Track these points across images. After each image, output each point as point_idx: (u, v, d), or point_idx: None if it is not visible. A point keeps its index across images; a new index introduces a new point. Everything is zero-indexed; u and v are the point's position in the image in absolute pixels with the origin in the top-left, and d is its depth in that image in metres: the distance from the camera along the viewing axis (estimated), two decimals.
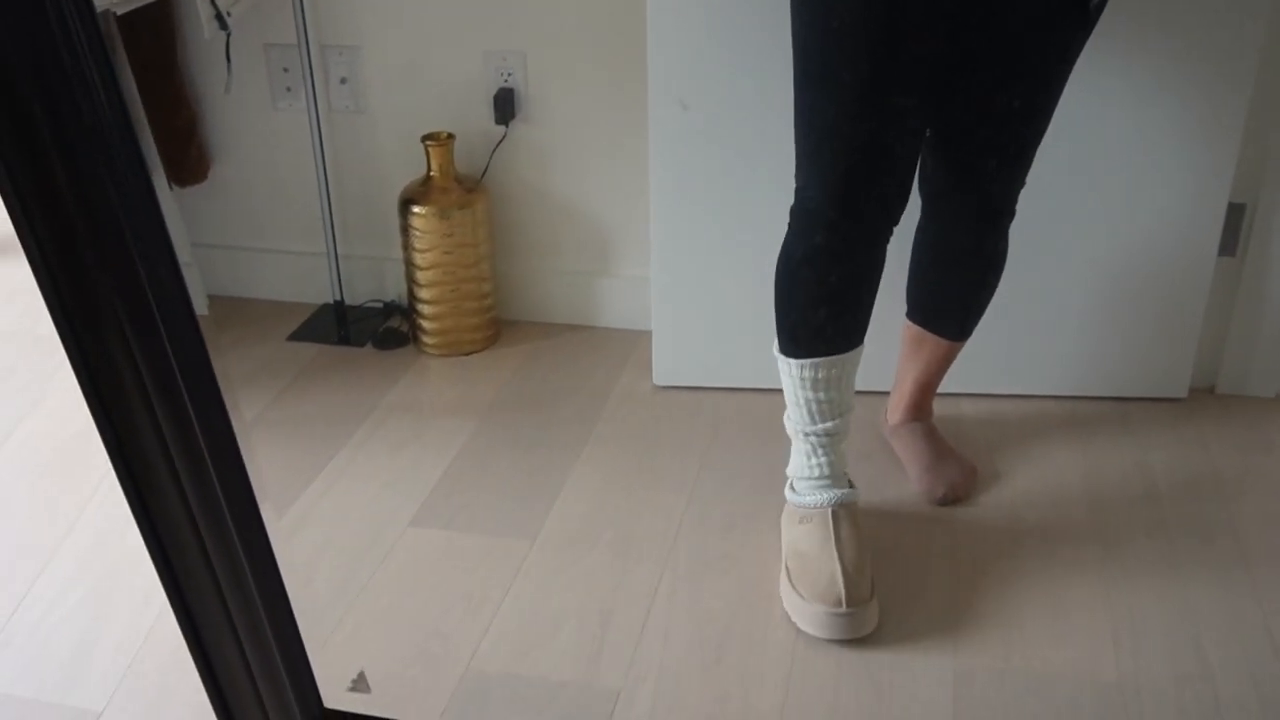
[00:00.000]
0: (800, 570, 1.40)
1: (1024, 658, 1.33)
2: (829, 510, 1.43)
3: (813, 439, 1.44)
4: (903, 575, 1.47)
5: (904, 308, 1.62)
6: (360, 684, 1.25)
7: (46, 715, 1.29)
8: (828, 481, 1.45)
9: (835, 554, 1.38)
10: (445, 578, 1.48)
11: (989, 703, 1.27)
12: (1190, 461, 1.68)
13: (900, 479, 1.65)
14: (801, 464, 1.47)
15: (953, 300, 1.59)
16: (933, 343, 1.62)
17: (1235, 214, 1.74)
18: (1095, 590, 1.43)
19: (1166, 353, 1.80)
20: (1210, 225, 1.71)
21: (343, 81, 2.02)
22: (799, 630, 1.38)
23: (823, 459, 1.45)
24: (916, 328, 1.62)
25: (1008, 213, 1.49)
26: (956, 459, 1.66)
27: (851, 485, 1.48)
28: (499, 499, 1.63)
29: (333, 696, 1.20)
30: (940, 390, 1.70)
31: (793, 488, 1.48)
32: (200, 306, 0.93)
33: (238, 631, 1.09)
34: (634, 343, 2.02)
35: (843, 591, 1.35)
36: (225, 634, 1.09)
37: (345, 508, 1.62)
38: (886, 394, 1.73)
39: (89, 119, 0.80)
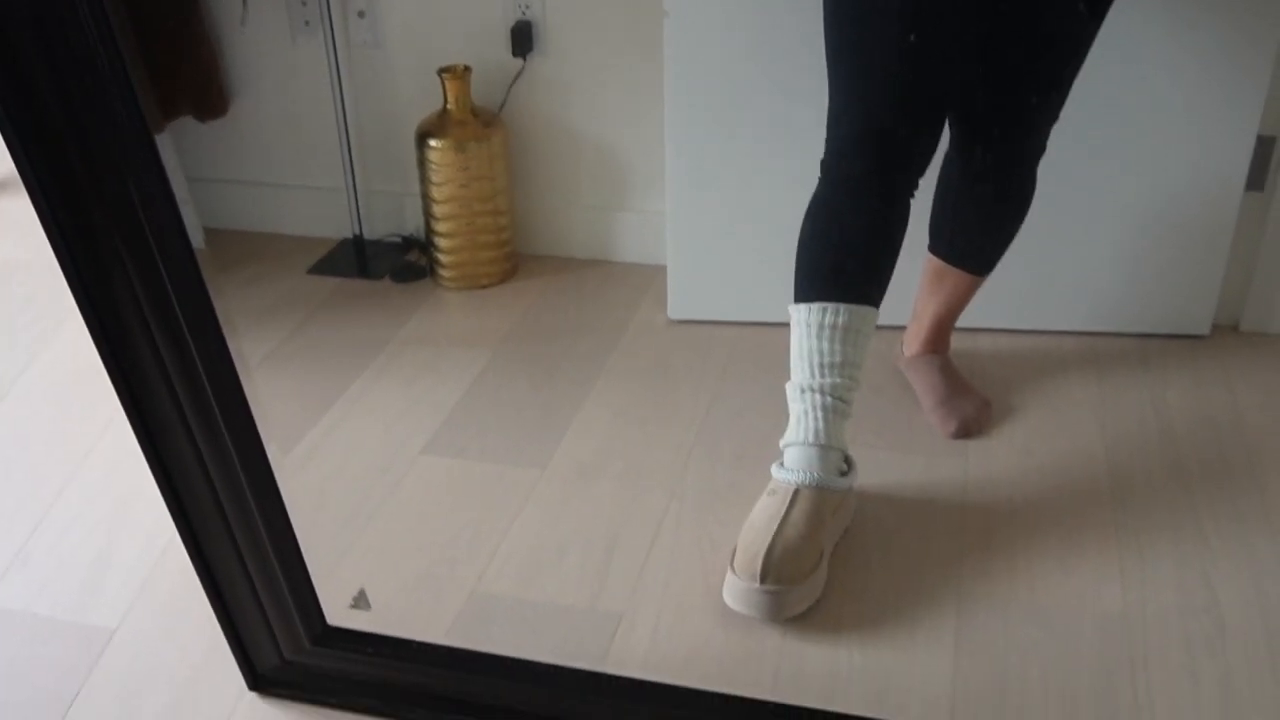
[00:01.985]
0: (741, 541, 1.32)
1: (1029, 588, 1.33)
2: (794, 489, 1.33)
3: (812, 396, 1.34)
4: (912, 506, 1.46)
5: (925, 240, 1.60)
6: (360, 601, 1.27)
7: (63, 632, 1.32)
8: (816, 451, 1.33)
9: (773, 531, 1.29)
10: (455, 504, 1.50)
11: (989, 628, 1.27)
12: (1210, 399, 1.66)
13: (914, 412, 1.64)
14: (793, 428, 1.36)
15: (975, 234, 1.56)
16: (955, 276, 1.60)
17: (1264, 147, 1.70)
18: (1105, 524, 1.42)
19: (1189, 289, 1.77)
20: (1238, 159, 1.67)
21: (360, 15, 2.01)
22: None
23: (819, 424, 1.33)
24: (939, 261, 1.60)
25: (1029, 147, 1.46)
26: (971, 393, 1.64)
27: (845, 471, 1.37)
28: (511, 429, 1.64)
29: (338, 615, 1.22)
30: (957, 325, 1.68)
31: (780, 461, 1.37)
32: (197, 241, 0.94)
33: (241, 552, 1.11)
34: (649, 277, 2.01)
35: (759, 567, 1.26)
36: (229, 554, 1.11)
37: (359, 435, 1.64)
38: (903, 328, 1.71)
39: (81, 57, 0.81)
